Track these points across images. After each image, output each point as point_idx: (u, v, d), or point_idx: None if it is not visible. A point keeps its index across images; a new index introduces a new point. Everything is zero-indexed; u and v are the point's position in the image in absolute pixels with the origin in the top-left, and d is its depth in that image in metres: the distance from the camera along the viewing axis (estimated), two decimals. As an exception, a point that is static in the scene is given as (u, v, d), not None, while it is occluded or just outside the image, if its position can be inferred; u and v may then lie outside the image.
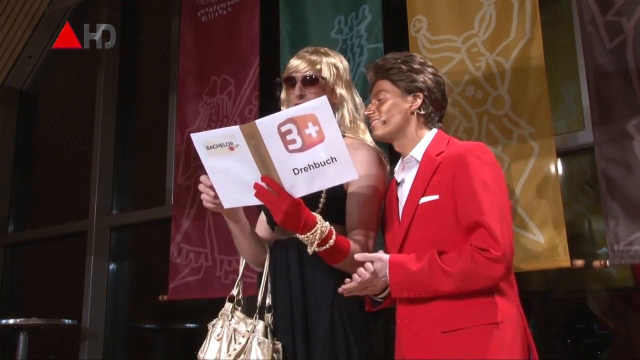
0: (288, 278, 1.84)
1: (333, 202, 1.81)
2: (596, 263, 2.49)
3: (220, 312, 1.90)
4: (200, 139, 1.67)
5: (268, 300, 1.86)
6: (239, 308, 1.89)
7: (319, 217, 1.70)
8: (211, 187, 1.77)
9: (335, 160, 1.60)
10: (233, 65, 3.57)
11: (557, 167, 2.55)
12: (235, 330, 1.83)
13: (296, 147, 1.59)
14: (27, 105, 5.29)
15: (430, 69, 1.88)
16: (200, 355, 1.85)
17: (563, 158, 2.83)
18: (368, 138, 1.95)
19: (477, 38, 2.79)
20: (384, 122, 1.83)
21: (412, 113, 1.83)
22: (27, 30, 4.90)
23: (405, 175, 1.84)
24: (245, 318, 1.86)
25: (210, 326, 1.89)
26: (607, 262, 2.42)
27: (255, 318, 1.83)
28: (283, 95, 1.99)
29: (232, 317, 1.86)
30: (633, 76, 2.43)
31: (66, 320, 3.88)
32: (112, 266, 4.42)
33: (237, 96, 3.52)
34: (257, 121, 1.59)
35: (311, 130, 1.57)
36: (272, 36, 3.46)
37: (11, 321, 3.67)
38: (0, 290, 4.94)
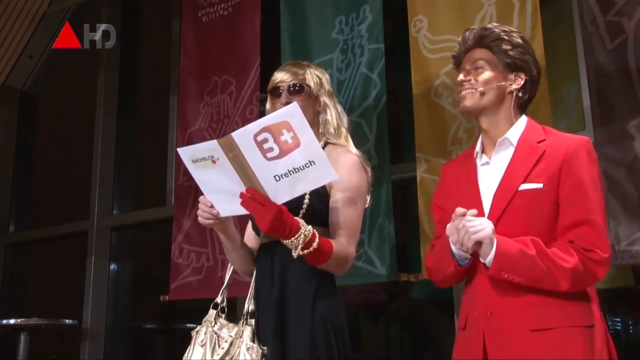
0: (271, 282, 1.88)
1: (316, 205, 1.85)
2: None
3: (203, 319, 1.93)
4: (186, 154, 1.72)
5: (252, 307, 1.90)
6: (223, 315, 1.93)
7: (302, 222, 1.71)
8: (211, 206, 1.81)
9: (314, 163, 1.62)
10: (234, 65, 3.57)
11: (558, 167, 2.55)
12: (218, 336, 1.87)
13: (274, 155, 1.62)
14: (28, 105, 5.29)
15: (530, 50, 1.76)
16: None
17: (564, 158, 2.83)
18: (351, 144, 2.00)
19: (478, 38, 2.78)
20: (482, 94, 1.70)
21: (511, 92, 1.72)
22: (27, 31, 4.90)
23: (493, 158, 1.73)
24: (228, 324, 1.90)
25: (194, 333, 1.92)
26: (608, 262, 2.42)
27: (243, 324, 1.86)
28: (268, 106, 2.04)
29: (216, 323, 1.89)
30: (634, 76, 2.44)
31: (67, 321, 3.88)
32: (112, 266, 4.42)
33: (238, 96, 3.52)
34: (233, 133, 1.63)
35: (286, 136, 1.60)
36: (273, 36, 3.46)
37: (12, 321, 3.67)
38: (1, 290, 4.94)
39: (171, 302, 3.59)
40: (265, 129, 1.60)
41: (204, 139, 3.59)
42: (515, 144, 1.70)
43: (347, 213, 1.85)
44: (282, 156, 1.62)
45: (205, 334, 1.88)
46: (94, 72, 4.73)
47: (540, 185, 1.61)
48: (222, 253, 3.39)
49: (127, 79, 4.74)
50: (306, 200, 1.83)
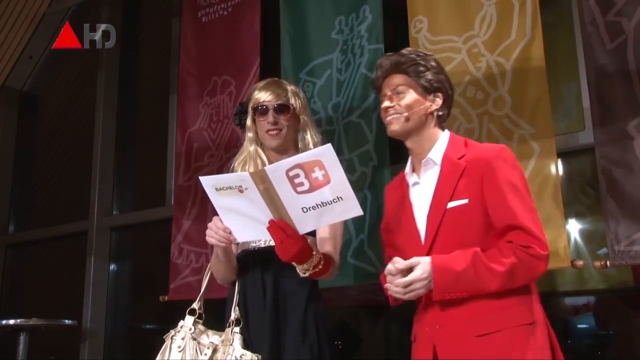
0: (262, 289, 1.93)
1: None
2: (596, 263, 2.49)
3: (179, 324, 1.95)
4: (209, 182, 1.76)
5: (238, 314, 1.92)
6: (200, 321, 1.95)
7: (315, 250, 1.82)
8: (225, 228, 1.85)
9: (342, 199, 1.68)
10: (233, 65, 3.58)
11: (557, 168, 2.55)
12: (198, 342, 1.89)
13: (304, 189, 1.68)
14: (28, 105, 5.29)
15: (443, 69, 1.89)
16: None
17: (563, 158, 2.83)
18: None
19: (478, 39, 2.79)
20: (407, 119, 1.80)
21: (431, 113, 1.83)
22: (27, 31, 4.90)
23: (421, 178, 1.83)
24: (207, 330, 1.93)
25: (168, 338, 1.93)
26: (608, 263, 2.42)
27: (231, 332, 1.88)
28: (249, 122, 2.10)
29: (194, 329, 1.91)
30: (633, 77, 2.44)
31: (66, 321, 3.87)
32: (112, 266, 4.42)
33: (237, 97, 3.52)
34: (266, 167, 1.70)
35: (318, 174, 1.65)
36: (272, 37, 3.46)
37: (11, 322, 3.67)
38: (1, 290, 4.94)
39: (170, 302, 3.59)
40: (298, 166, 1.66)
41: (203, 139, 3.60)
42: (439, 162, 1.79)
43: (334, 225, 1.95)
44: (312, 191, 1.68)
45: (183, 339, 1.90)
46: (94, 72, 4.73)
47: (465, 201, 1.71)
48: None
49: (127, 79, 4.75)
50: None
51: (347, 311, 3.64)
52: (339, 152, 3.08)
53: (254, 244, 1.99)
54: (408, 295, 1.68)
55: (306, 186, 1.67)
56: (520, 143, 2.61)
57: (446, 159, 1.78)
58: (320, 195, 1.68)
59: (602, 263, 2.45)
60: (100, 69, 4.66)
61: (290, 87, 2.11)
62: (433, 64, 1.85)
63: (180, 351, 1.88)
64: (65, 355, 4.43)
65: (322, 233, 1.96)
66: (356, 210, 1.70)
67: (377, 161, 2.95)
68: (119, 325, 4.35)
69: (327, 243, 1.95)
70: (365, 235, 2.92)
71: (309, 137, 2.09)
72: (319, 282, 2.02)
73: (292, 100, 2.06)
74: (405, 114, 1.80)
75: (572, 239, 2.88)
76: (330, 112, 3.16)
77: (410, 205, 1.83)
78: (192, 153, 3.66)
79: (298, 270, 1.82)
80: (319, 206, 1.69)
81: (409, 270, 1.66)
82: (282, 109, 2.04)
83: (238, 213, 1.78)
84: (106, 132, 4.57)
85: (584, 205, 2.93)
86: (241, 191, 1.71)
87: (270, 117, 2.02)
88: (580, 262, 2.49)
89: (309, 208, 1.70)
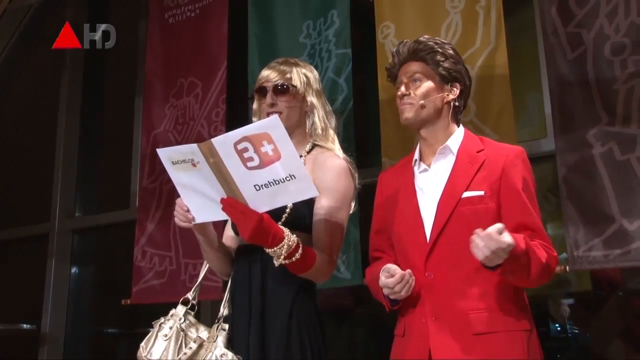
0: (249, 287, 1.83)
1: (300, 210, 1.81)
2: (557, 268, 2.53)
3: (170, 312, 1.87)
4: (165, 154, 1.70)
5: (227, 311, 1.86)
6: (192, 313, 1.88)
7: (286, 232, 1.68)
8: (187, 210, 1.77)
9: (294, 177, 1.61)
10: (200, 67, 3.55)
11: (520, 174, 2.59)
12: (185, 334, 1.82)
13: (254, 165, 1.61)
14: (-12, 104, 5.17)
15: (461, 59, 1.85)
16: (143, 353, 1.82)
17: (526, 165, 2.88)
18: (337, 147, 1.96)
19: (444, 45, 2.82)
20: (422, 106, 1.76)
21: (448, 103, 1.79)
22: (-13, 28, 4.79)
23: (434, 165, 1.78)
24: (197, 324, 1.85)
25: (156, 324, 1.86)
26: (567, 268, 2.47)
27: (217, 328, 1.81)
28: (255, 106, 2.00)
29: (184, 320, 1.84)
30: (593, 87, 2.50)
31: (24, 325, 3.79)
32: (74, 270, 4.34)
33: (204, 99, 3.50)
34: (213, 139, 1.61)
35: (267, 148, 1.58)
36: (240, 39, 3.45)
37: (-33, 326, 3.58)
38: (-42, 294, 4.81)
39: (133, 306, 3.54)
40: (245, 138, 1.58)
41: (169, 142, 3.56)
42: (455, 152, 1.76)
43: (331, 220, 1.81)
44: (262, 167, 1.60)
45: (171, 328, 1.82)
46: (57, 72, 4.64)
47: (482, 193, 1.68)
48: (186, 257, 3.38)
49: (92, 79, 4.67)
50: (290, 205, 1.79)
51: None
52: (305, 155, 3.10)
53: (245, 241, 1.86)
54: (487, 256, 1.48)
55: (256, 161, 1.60)
56: (484, 149, 2.64)
57: (463, 150, 1.75)
58: (272, 172, 1.60)
59: (562, 268, 2.49)
60: (64, 68, 4.58)
61: (297, 68, 1.95)
62: (451, 52, 1.82)
63: (166, 340, 1.80)
64: (24, 361, 4.33)
65: (318, 228, 1.81)
66: (312, 191, 1.64)
67: (344, 165, 2.96)
68: (79, 330, 4.26)
69: (320, 239, 1.80)
70: (330, 239, 2.92)
71: (317, 119, 1.94)
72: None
73: (295, 80, 1.91)
74: (421, 101, 1.76)
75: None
76: (298, 116, 3.15)
77: (414, 192, 1.78)
78: (157, 155, 3.61)
79: (274, 260, 1.68)
80: (271, 184, 1.62)
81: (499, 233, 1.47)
82: (282, 89, 1.90)
83: (194, 190, 1.71)
84: (69, 133, 4.49)
85: (545, 211, 2.98)
86: (194, 165, 1.64)
87: (268, 98, 1.90)
88: (540, 267, 2.54)
89: (262, 186, 1.62)
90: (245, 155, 1.60)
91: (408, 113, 1.78)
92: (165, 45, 3.78)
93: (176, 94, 3.64)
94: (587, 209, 2.42)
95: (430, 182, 1.76)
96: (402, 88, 1.80)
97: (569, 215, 2.45)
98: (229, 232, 2.01)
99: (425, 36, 1.87)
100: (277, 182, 1.62)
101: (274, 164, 1.60)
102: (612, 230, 2.36)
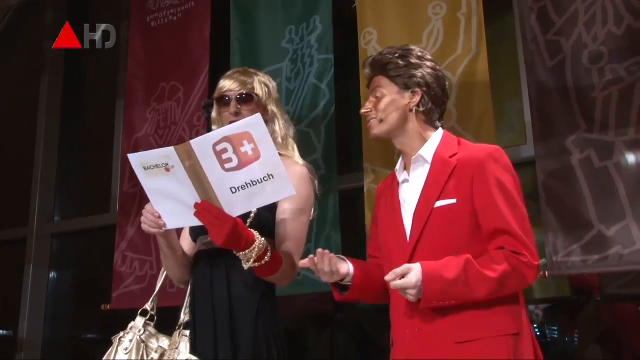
0: (211, 292, 1.84)
1: (263, 215, 1.84)
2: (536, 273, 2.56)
3: (129, 325, 1.89)
4: (137, 160, 1.67)
5: (188, 317, 1.87)
6: (152, 323, 1.89)
7: (256, 235, 1.70)
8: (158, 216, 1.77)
9: (272, 177, 1.61)
10: (182, 71, 3.53)
11: (500, 180, 2.61)
12: (146, 345, 1.83)
13: (232, 166, 1.60)
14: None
15: (429, 63, 1.81)
16: None
17: (506, 171, 2.90)
18: (297, 154, 2.00)
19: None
20: (381, 121, 1.78)
21: (411, 110, 1.77)
22: (-34, 30, 4.73)
23: (411, 175, 1.78)
24: (158, 334, 1.87)
25: (115, 339, 1.86)
26: (546, 273, 2.49)
27: (179, 335, 1.82)
28: (214, 114, 2.02)
29: (144, 331, 1.85)
30: (572, 94, 2.53)
31: (1, 331, 3.74)
32: (52, 275, 4.29)
33: (185, 103, 3.48)
34: (191, 141, 1.60)
35: (247, 148, 1.58)
36: (222, 44, 3.44)
37: (-58, 331, 3.52)
38: None
39: (113, 311, 3.50)
40: (226, 139, 1.57)
41: (150, 146, 3.54)
42: (430, 160, 1.74)
43: (294, 225, 1.85)
44: (240, 168, 1.60)
45: (131, 341, 1.83)
46: (37, 74, 4.59)
47: (453, 201, 1.65)
48: (167, 262, 3.35)
49: (72, 82, 4.63)
50: (254, 210, 1.80)
51: (294, 320, 3.63)
52: (287, 161, 3.10)
53: (204, 244, 1.89)
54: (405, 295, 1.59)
55: (235, 162, 1.59)
56: (464, 155, 2.66)
57: (437, 157, 1.73)
58: (250, 173, 1.60)
59: (542, 273, 2.52)
60: (44, 70, 4.53)
61: (258, 77, 2.00)
62: (413, 60, 1.78)
63: (126, 353, 1.81)
64: (0, 367, 4.27)
65: (281, 232, 1.85)
66: (288, 191, 1.64)
67: (325, 171, 2.96)
68: (57, 336, 4.21)
69: (283, 243, 1.84)
70: (312, 245, 2.91)
71: (277, 129, 1.98)
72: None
73: (257, 90, 1.96)
74: (380, 116, 1.78)
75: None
76: (280, 121, 3.15)
77: (398, 203, 1.78)
78: (138, 159, 3.59)
79: (243, 263, 1.69)
80: (248, 185, 1.61)
81: (402, 276, 1.57)
82: (246, 98, 1.94)
83: (166, 196, 1.69)
84: (49, 135, 4.44)
85: (525, 217, 3.01)
86: (168, 170, 1.62)
87: (232, 107, 1.93)
88: (520, 272, 2.56)
89: (238, 188, 1.61)
90: (224, 156, 1.59)
91: (372, 130, 1.81)
92: (147, 49, 3.76)
93: (158, 98, 3.63)
94: (566, 215, 2.45)
95: (409, 193, 1.76)
96: (366, 104, 1.82)
97: (549, 221, 2.48)
98: (186, 238, 2.02)
99: (389, 48, 1.87)
100: (254, 183, 1.61)
101: (252, 164, 1.59)
102: (591, 236, 2.39)
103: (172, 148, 1.61)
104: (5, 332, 3.77)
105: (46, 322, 4.15)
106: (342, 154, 3.07)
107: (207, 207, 1.63)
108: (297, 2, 3.24)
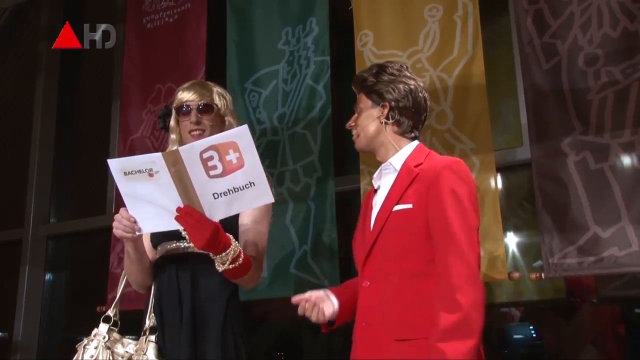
0: (178, 296, 1.88)
1: (228, 220, 1.86)
2: (532, 275, 2.57)
3: (93, 332, 1.91)
4: (117, 165, 1.72)
5: (154, 322, 1.89)
6: (116, 329, 1.92)
7: (232, 239, 1.77)
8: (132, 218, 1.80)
9: (254, 185, 1.68)
10: (178, 73, 3.53)
11: (496, 182, 2.63)
12: (112, 352, 1.86)
13: (217, 173, 1.66)
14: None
15: (403, 78, 1.89)
16: None
17: (502, 173, 2.91)
18: None
19: (422, 54, 2.85)
20: (358, 135, 1.90)
21: (382, 123, 1.87)
22: (-39, 31, 4.72)
23: (382, 182, 1.88)
24: (122, 339, 1.90)
25: (80, 347, 1.89)
26: (542, 275, 2.50)
27: (145, 340, 1.84)
28: (173, 123, 2.07)
29: (109, 337, 1.88)
30: (567, 96, 2.54)
31: (-3, 333, 3.73)
32: (48, 276, 4.28)
33: (182, 105, 3.48)
34: (180, 148, 1.67)
35: (232, 156, 1.65)
36: (219, 46, 3.44)
37: (-63, 334, 3.50)
38: None
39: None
40: (212, 147, 1.64)
41: (145, 147, 3.53)
42: (398, 169, 1.83)
43: (258, 230, 1.94)
44: (224, 175, 1.66)
45: (96, 348, 1.86)
46: (33, 75, 4.58)
47: (410, 206, 1.74)
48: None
49: (68, 84, 4.61)
50: None
51: (289, 322, 3.63)
52: (283, 163, 3.09)
53: (170, 247, 1.93)
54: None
55: (219, 170, 1.66)
56: (461, 157, 2.63)
57: (405, 166, 1.82)
58: (232, 180, 1.67)
59: (537, 275, 2.53)
60: (40, 72, 4.52)
61: (216, 88, 2.08)
62: (384, 77, 1.88)
63: None
64: (-5, 369, 4.26)
65: (247, 237, 1.92)
66: (267, 198, 1.71)
67: (322, 172, 2.96)
68: (53, 337, 4.20)
69: (248, 246, 1.91)
70: (308, 247, 2.92)
71: None
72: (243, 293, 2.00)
73: (216, 101, 2.04)
74: (357, 130, 1.90)
75: (510, 251, 2.96)
76: (276, 123, 3.15)
77: (371, 207, 1.88)
78: (134, 161, 3.58)
79: (216, 265, 1.76)
80: (230, 192, 1.68)
81: None
82: (206, 108, 2.01)
83: (145, 200, 1.73)
84: (44, 137, 4.42)
85: (521, 219, 3.02)
86: (151, 175, 1.68)
87: (193, 117, 1.99)
88: (516, 274, 2.57)
89: (220, 194, 1.68)
90: (210, 163, 1.65)
91: (355, 144, 1.93)
92: (142, 51, 3.76)
93: (153, 99, 3.62)
94: (562, 217, 2.46)
95: (379, 198, 1.86)
96: (350, 120, 1.93)
97: (544, 223, 2.48)
98: (146, 245, 2.04)
99: (371, 65, 1.98)
100: (236, 189, 1.68)
101: (236, 172, 1.66)
102: (586, 238, 2.39)
103: (159, 154, 1.66)
104: (0, 334, 3.75)
105: (42, 323, 4.14)
106: (338, 155, 3.07)
107: (190, 211, 1.69)
108: (293, 4, 3.24)
